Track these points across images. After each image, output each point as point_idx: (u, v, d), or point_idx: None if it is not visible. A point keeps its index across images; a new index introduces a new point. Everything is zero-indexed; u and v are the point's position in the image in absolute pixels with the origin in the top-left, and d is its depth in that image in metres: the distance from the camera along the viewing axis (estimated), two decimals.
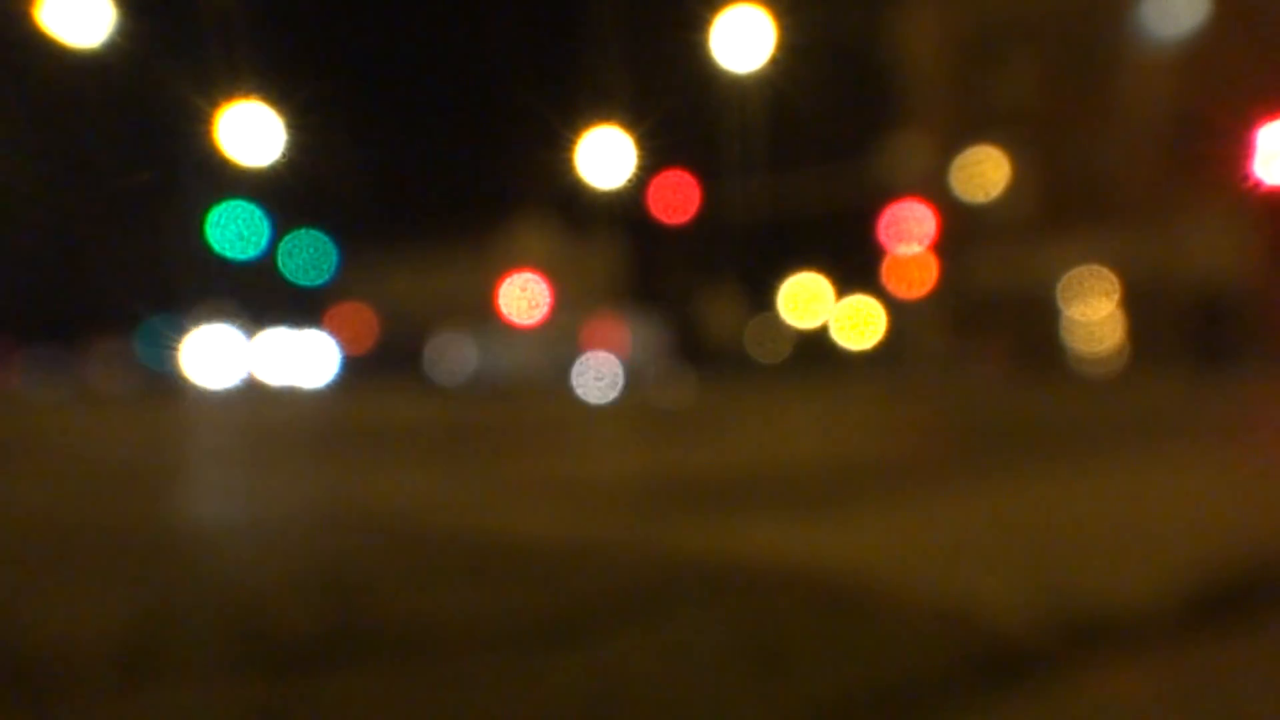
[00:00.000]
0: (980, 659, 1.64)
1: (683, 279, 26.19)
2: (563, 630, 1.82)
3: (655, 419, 9.40)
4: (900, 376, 19.94)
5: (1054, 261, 21.02)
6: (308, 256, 23.34)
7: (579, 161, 8.04)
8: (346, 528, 3.11)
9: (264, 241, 18.64)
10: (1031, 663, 1.64)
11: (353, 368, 26.56)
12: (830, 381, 17.59)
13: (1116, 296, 20.35)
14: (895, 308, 24.24)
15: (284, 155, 6.65)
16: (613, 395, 14.43)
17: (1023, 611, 1.90)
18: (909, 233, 23.05)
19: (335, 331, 27.54)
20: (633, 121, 7.95)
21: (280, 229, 20.32)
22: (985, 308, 22.11)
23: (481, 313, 27.64)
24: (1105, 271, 20.40)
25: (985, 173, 21.96)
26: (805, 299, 25.71)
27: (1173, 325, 19.18)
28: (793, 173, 21.90)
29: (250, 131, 6.58)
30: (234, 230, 17.65)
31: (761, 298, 25.79)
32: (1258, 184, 11.86)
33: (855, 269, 23.89)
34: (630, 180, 8.34)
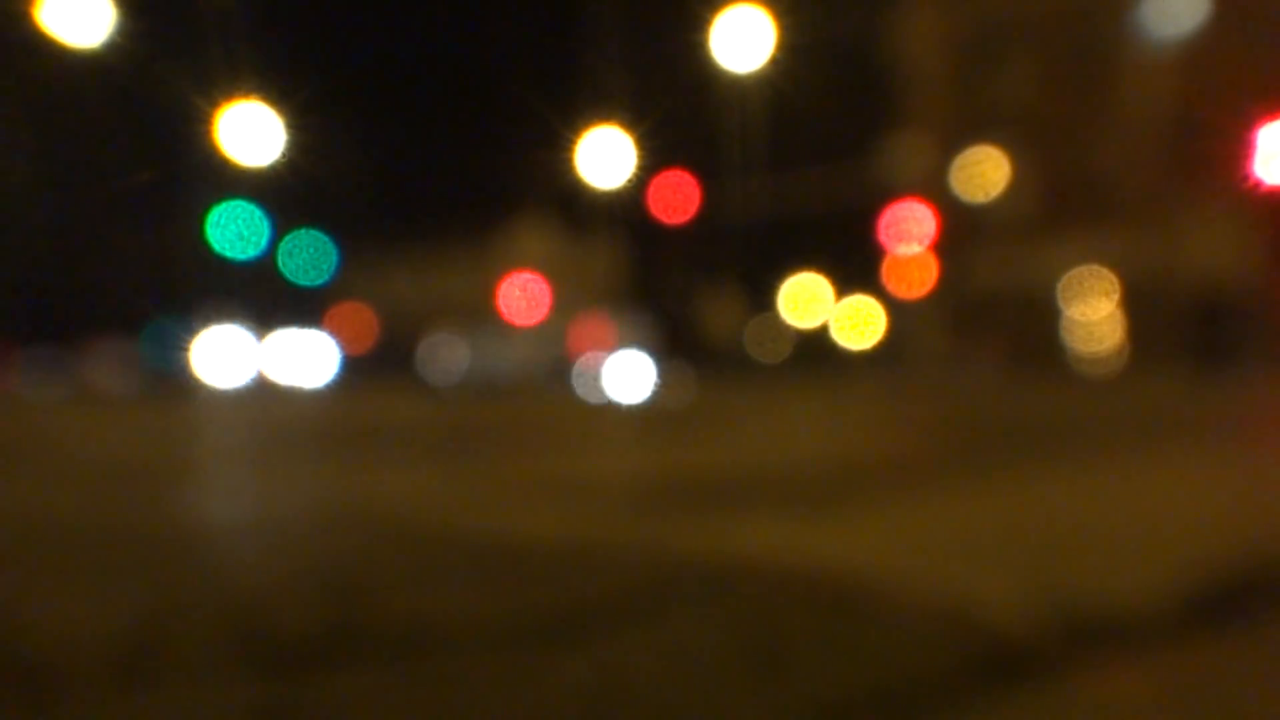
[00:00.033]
0: (980, 659, 1.64)
1: (683, 279, 26.18)
2: (563, 630, 1.82)
3: (655, 419, 9.40)
4: (900, 376, 19.94)
5: (1054, 261, 21.02)
6: (308, 256, 23.33)
7: (579, 161, 8.03)
8: (346, 528, 3.11)
9: (264, 241, 18.63)
10: (1031, 663, 1.64)
11: (352, 367, 26.56)
12: (830, 381, 17.59)
13: (1116, 296, 20.34)
14: (895, 308, 24.23)
15: (284, 155, 6.65)
16: (610, 395, 14.43)
17: (1023, 611, 1.90)
18: (909, 233, 23.05)
19: (335, 331, 27.54)
20: (633, 121, 7.95)
21: (280, 229, 20.32)
22: (985, 308, 22.10)
23: (480, 313, 27.65)
24: (1105, 271, 20.39)
25: (985, 173, 21.95)
26: (805, 299, 25.70)
27: (1173, 325, 19.17)
28: (793, 173, 21.90)
29: (250, 131, 6.57)
30: (234, 230, 17.64)
31: (761, 298, 25.78)
32: (1258, 184, 11.85)
33: (855, 269, 23.88)
34: (630, 180, 8.34)
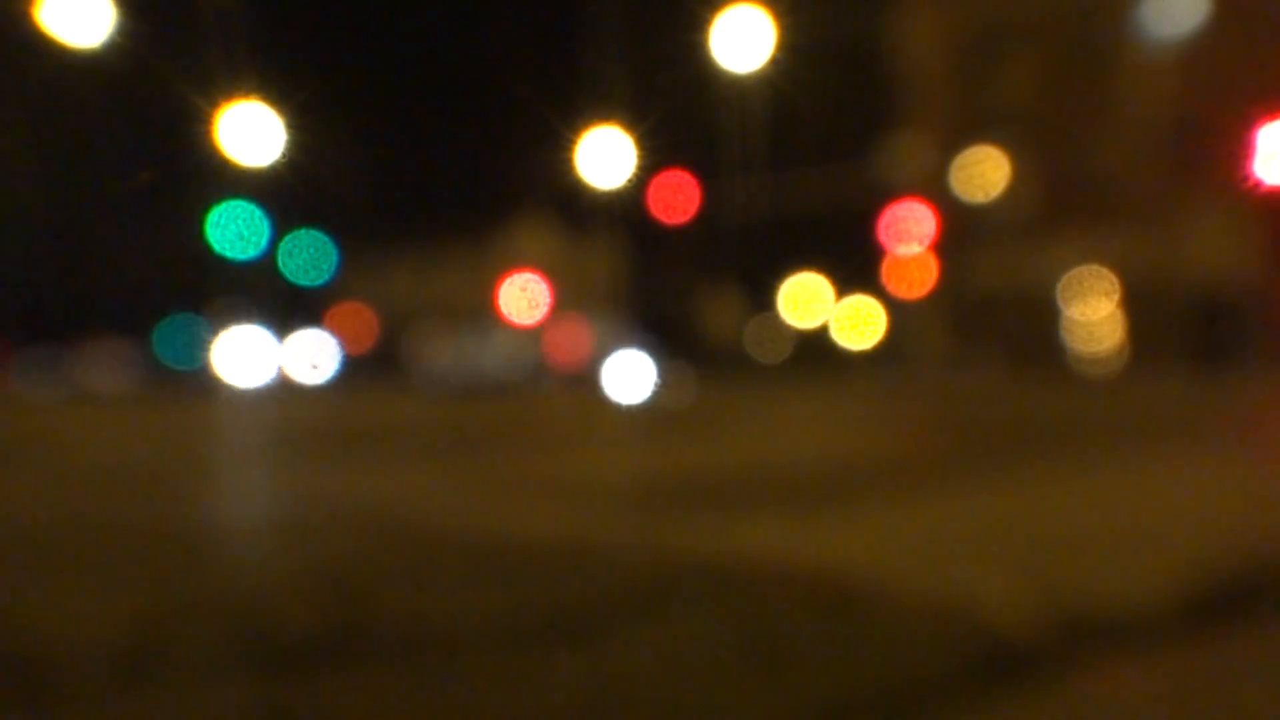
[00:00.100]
0: (980, 659, 1.64)
1: (683, 279, 26.18)
2: (563, 630, 1.82)
3: (655, 419, 9.40)
4: (900, 376, 19.94)
5: (1054, 261, 21.01)
6: (308, 256, 23.33)
7: (579, 161, 8.03)
8: (347, 528, 3.11)
9: (264, 241, 18.62)
10: (1031, 663, 1.64)
11: (353, 367, 26.57)
12: (830, 381, 17.60)
13: (1116, 296, 20.34)
14: (895, 308, 24.23)
15: (284, 155, 6.65)
16: (609, 395, 14.43)
17: (1023, 611, 1.90)
18: (909, 233, 23.04)
19: (336, 331, 27.55)
20: (633, 121, 7.95)
21: (280, 229, 20.31)
22: (985, 308, 22.10)
23: (477, 313, 27.66)
24: (1105, 271, 20.39)
25: (985, 173, 21.95)
26: (805, 299, 25.70)
27: (1173, 325, 19.17)
28: (793, 173, 21.90)
29: (250, 131, 6.57)
30: (234, 230, 17.63)
31: (761, 298, 25.77)
32: (1258, 184, 11.86)
33: (855, 269, 23.88)
34: (630, 180, 8.33)
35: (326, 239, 23.87)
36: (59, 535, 3.01)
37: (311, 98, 6.65)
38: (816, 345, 25.31)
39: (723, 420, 8.44)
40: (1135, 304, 20.05)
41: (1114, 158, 20.01)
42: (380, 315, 29.63)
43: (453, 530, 2.96)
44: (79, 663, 1.69)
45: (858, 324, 25.25)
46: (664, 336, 23.14)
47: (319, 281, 24.28)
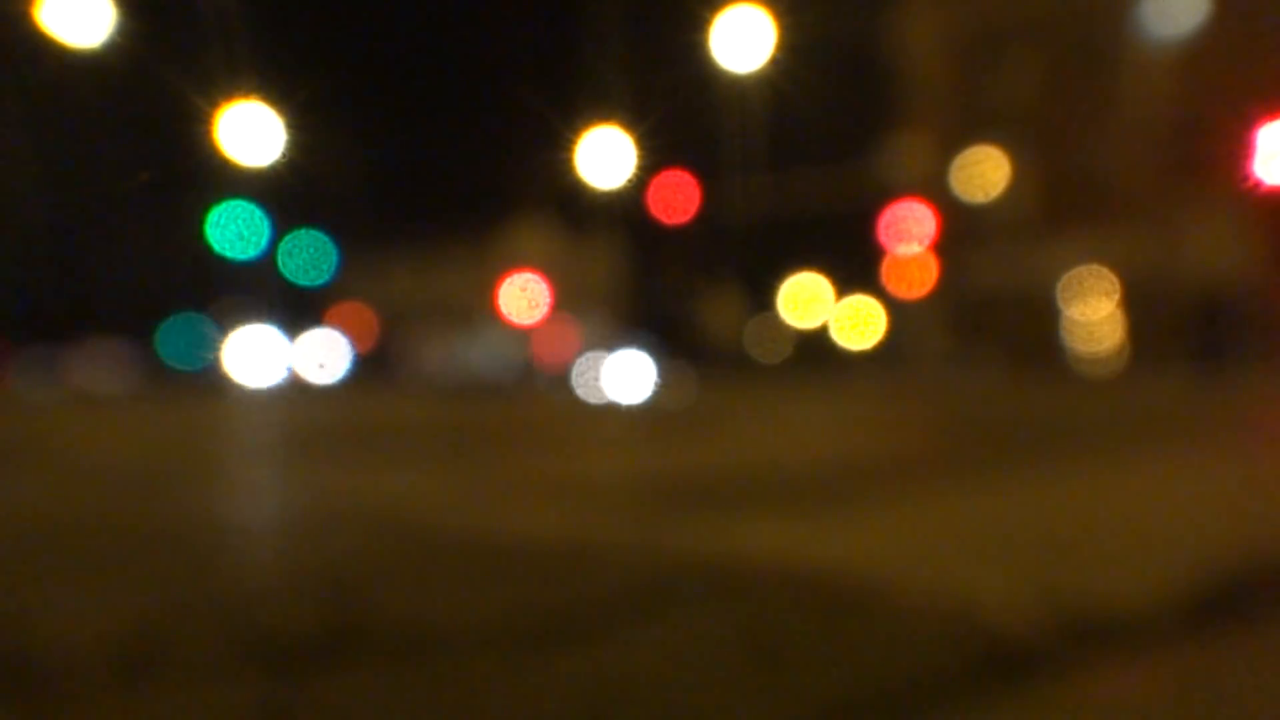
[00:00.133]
0: (980, 659, 1.64)
1: (683, 279, 26.19)
2: (563, 630, 1.82)
3: (655, 419, 9.40)
4: (900, 376, 19.94)
5: (1054, 261, 21.02)
6: (308, 256, 23.33)
7: (579, 161, 8.03)
8: (346, 528, 3.11)
9: (264, 241, 18.63)
10: (1031, 663, 1.64)
11: (361, 367, 26.60)
12: (830, 381, 17.59)
13: (1116, 296, 20.34)
14: (895, 308, 24.24)
15: (284, 155, 6.65)
16: (609, 395, 14.43)
17: (1023, 611, 1.90)
18: (909, 233, 23.05)
19: (343, 330, 27.56)
20: (633, 121, 7.95)
21: (280, 229, 20.31)
22: (985, 308, 22.10)
23: (470, 313, 27.68)
24: (1105, 271, 20.40)
25: (985, 173, 21.95)
26: (805, 299, 25.70)
27: (1173, 325, 19.18)
28: (793, 173, 21.90)
29: (250, 131, 6.57)
30: (234, 230, 17.64)
31: (761, 298, 25.78)
32: (1258, 184, 11.85)
33: (855, 269, 23.89)
34: (630, 180, 8.33)
35: (326, 239, 23.88)
36: (59, 535, 3.01)
37: (311, 98, 6.65)
38: (816, 345, 25.32)
39: (723, 420, 8.44)
40: (1135, 304, 20.06)
41: (1114, 158, 20.01)
42: (380, 315, 29.64)
43: (453, 530, 2.96)
44: (79, 663, 1.69)
45: (858, 324, 25.26)
46: (664, 336, 23.14)
47: (319, 281, 24.29)
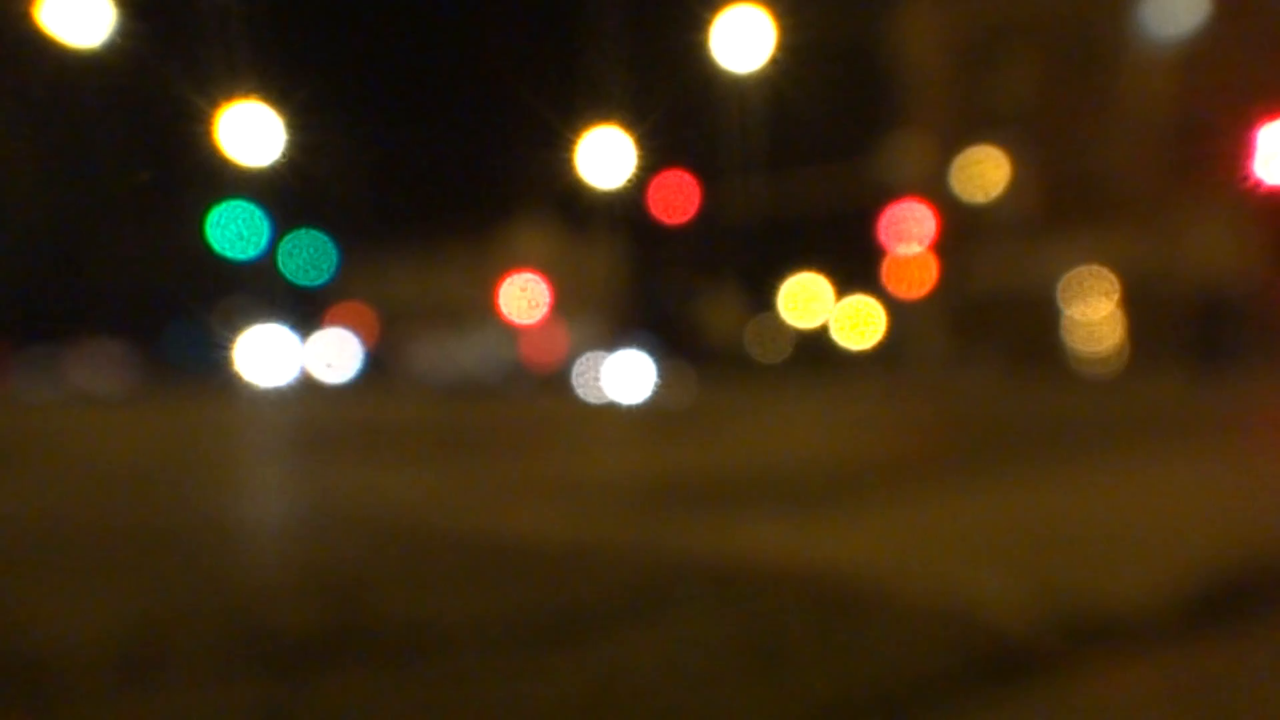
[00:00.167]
0: (980, 659, 1.64)
1: (683, 279, 26.18)
2: (563, 630, 1.82)
3: (655, 419, 9.40)
4: (900, 376, 19.94)
5: (1054, 261, 21.01)
6: (308, 256, 23.32)
7: (579, 161, 8.02)
8: (347, 528, 3.11)
9: (264, 241, 18.62)
10: (1031, 663, 1.64)
11: (368, 366, 26.58)
12: (830, 381, 17.59)
13: (1116, 296, 20.34)
14: (895, 308, 24.22)
15: (284, 155, 6.65)
16: (609, 395, 14.43)
17: (1023, 611, 1.90)
18: (909, 233, 23.03)
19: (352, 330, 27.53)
20: (633, 121, 7.94)
21: (280, 229, 20.30)
22: (985, 308, 22.10)
23: (462, 313, 27.67)
24: (1105, 271, 20.39)
25: (985, 173, 21.95)
26: (805, 299, 25.69)
27: (1173, 325, 19.17)
28: (793, 173, 21.89)
29: (250, 131, 6.57)
30: (234, 230, 17.63)
31: (761, 298, 25.76)
32: (1258, 184, 11.85)
33: (855, 269, 23.87)
34: (630, 180, 8.33)
35: (326, 239, 23.86)
36: (60, 535, 3.01)
37: (311, 98, 6.64)
38: (816, 345, 25.31)
39: (722, 420, 8.44)
40: (1135, 304, 20.05)
41: (1114, 158, 20.01)
42: (380, 315, 29.63)
43: (453, 531, 2.96)
44: (80, 663, 1.69)
45: (858, 324, 25.24)
46: (664, 336, 23.13)
47: (319, 281, 24.28)
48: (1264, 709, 1.49)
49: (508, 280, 28.23)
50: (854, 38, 19.90)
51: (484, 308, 27.89)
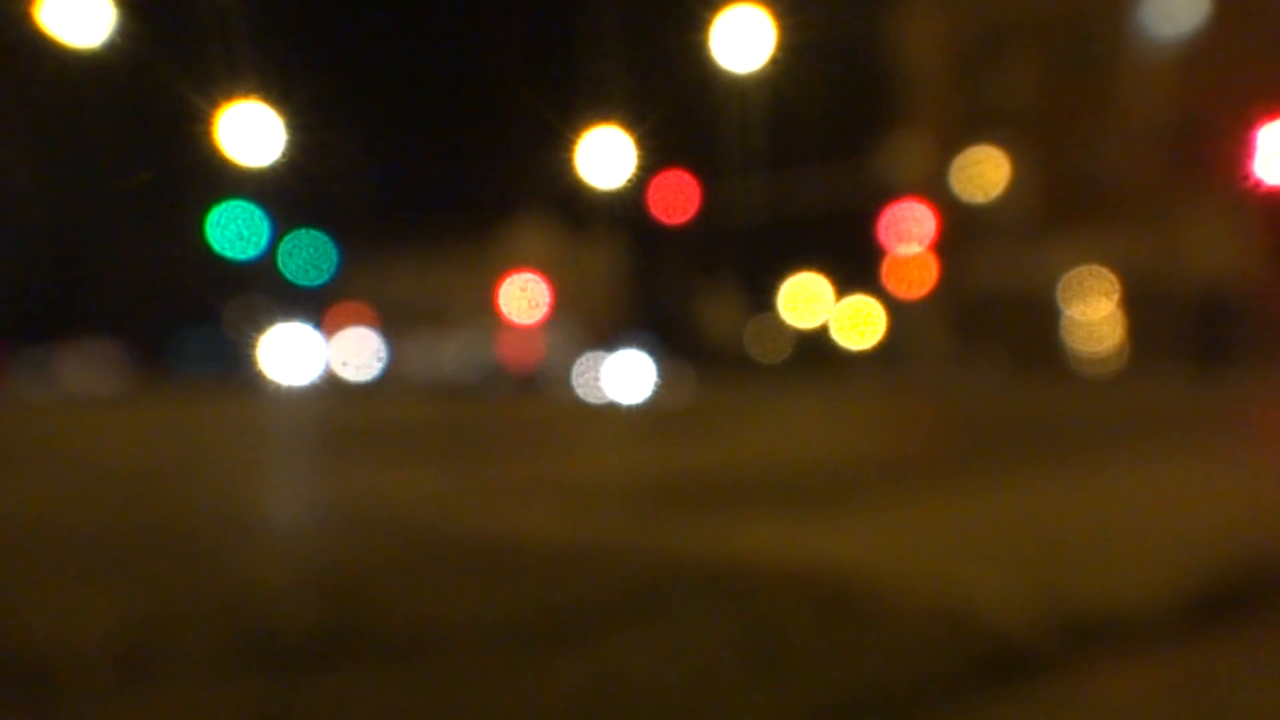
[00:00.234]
0: (980, 659, 1.64)
1: (683, 279, 26.18)
2: (563, 630, 1.82)
3: (655, 419, 9.40)
4: (900, 376, 19.95)
5: (1054, 261, 21.01)
6: (308, 256, 23.32)
7: (579, 161, 8.02)
8: (347, 528, 3.11)
9: (264, 241, 18.61)
10: (1031, 663, 1.64)
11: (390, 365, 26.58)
12: (830, 381, 17.59)
13: (1116, 296, 20.34)
14: (895, 308, 24.22)
15: (284, 155, 6.65)
16: (609, 395, 14.43)
17: (1023, 611, 1.90)
18: (909, 233, 23.03)
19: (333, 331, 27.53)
20: (633, 121, 7.94)
21: (280, 229, 20.30)
22: (985, 308, 22.10)
23: (478, 312, 27.66)
24: (1105, 271, 20.39)
25: (985, 173, 21.95)
26: (805, 299, 25.69)
27: (1173, 325, 19.16)
28: (793, 173, 21.89)
29: (250, 131, 6.57)
30: (234, 230, 17.63)
31: (761, 298, 25.76)
32: (1258, 184, 11.85)
33: (855, 269, 23.88)
34: (630, 180, 8.33)
35: (326, 239, 23.86)
36: (60, 535, 3.01)
37: (311, 98, 6.64)
38: (816, 345, 25.31)
39: (722, 420, 8.44)
40: (1135, 304, 20.05)
41: (1114, 158, 20.01)
42: (380, 315, 29.62)
43: (453, 531, 2.96)
44: (80, 663, 1.69)
45: (858, 324, 25.24)
46: (664, 336, 23.13)
47: (319, 281, 24.27)
48: (1264, 709, 1.49)
49: (508, 280, 28.24)
50: (854, 38, 19.89)
51: (483, 307, 27.89)
